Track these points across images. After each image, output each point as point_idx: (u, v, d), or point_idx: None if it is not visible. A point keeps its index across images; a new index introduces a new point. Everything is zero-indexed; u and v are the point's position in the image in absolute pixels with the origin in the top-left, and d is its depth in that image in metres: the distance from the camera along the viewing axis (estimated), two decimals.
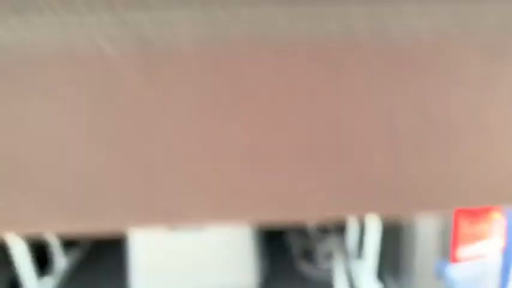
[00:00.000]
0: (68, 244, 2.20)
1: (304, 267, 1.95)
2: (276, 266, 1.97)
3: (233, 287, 1.55)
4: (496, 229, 1.35)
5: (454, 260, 1.32)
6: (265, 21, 0.35)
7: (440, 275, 1.36)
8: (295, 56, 0.37)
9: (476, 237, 1.32)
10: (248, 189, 0.45)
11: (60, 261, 1.94)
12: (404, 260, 1.48)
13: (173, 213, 0.48)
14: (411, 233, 1.40)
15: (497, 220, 1.37)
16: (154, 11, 0.35)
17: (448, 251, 1.32)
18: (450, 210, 0.59)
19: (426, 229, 1.34)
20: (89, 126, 0.39)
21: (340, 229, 2.21)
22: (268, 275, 1.88)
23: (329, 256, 2.01)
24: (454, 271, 1.33)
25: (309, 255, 2.05)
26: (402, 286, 1.55)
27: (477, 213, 1.32)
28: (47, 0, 0.36)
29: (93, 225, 0.46)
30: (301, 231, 2.26)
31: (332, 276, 1.87)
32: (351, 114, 0.40)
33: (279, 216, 0.55)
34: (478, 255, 1.34)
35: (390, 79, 0.39)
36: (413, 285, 1.40)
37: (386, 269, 1.72)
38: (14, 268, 1.62)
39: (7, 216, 0.47)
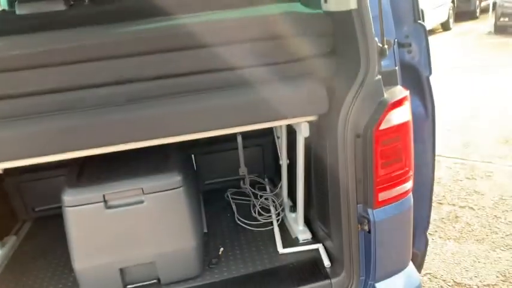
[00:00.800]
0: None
1: (243, 221, 2.05)
2: (218, 222, 2.06)
3: (174, 254, 1.61)
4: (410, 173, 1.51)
5: (375, 205, 1.47)
6: None
7: (362, 219, 1.51)
8: None
9: (393, 183, 1.47)
10: None
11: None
12: (330, 208, 1.62)
13: None
14: (334, 182, 1.53)
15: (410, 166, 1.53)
16: None
17: (369, 197, 1.46)
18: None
19: (347, 179, 1.47)
20: None
21: (273, 188, 2.33)
22: (210, 232, 1.97)
23: (265, 210, 2.13)
24: (375, 215, 1.48)
25: (247, 210, 2.15)
26: (330, 232, 1.71)
27: (392, 162, 1.46)
28: None
29: None
30: (238, 190, 2.36)
31: (269, 227, 1.99)
32: None
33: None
34: (395, 197, 1.49)
35: None
36: (339, 230, 1.55)
37: (315, 218, 1.87)
38: None
39: None
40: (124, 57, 1.41)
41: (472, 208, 3.13)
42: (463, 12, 12.95)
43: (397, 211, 1.51)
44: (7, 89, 1.37)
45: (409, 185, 1.52)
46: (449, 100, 5.62)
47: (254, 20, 1.50)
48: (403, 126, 1.45)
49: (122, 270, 1.60)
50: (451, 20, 12.06)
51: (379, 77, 1.42)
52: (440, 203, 3.23)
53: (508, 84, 6.06)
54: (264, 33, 1.48)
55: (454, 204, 3.20)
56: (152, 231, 1.57)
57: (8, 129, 1.35)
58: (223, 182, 2.38)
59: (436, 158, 3.85)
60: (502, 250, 2.64)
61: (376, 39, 1.39)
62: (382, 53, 1.40)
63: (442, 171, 3.70)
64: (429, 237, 2.04)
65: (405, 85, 1.58)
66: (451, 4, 11.95)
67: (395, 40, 1.57)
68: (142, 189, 1.53)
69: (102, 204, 1.51)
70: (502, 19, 10.01)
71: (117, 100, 1.42)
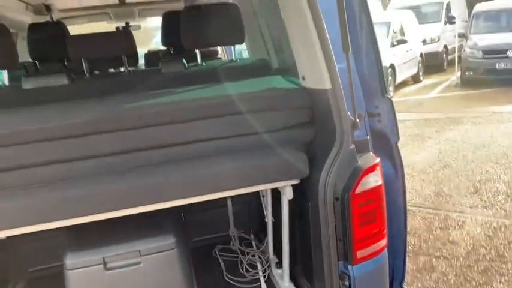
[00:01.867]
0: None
1: (231, 278, 2.16)
2: (208, 279, 2.16)
3: None
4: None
5: (354, 261, 1.62)
6: None
7: (343, 275, 1.65)
8: None
9: (369, 241, 1.63)
10: None
11: None
12: (313, 265, 1.75)
13: None
14: (316, 241, 1.67)
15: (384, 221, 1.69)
16: None
17: (349, 254, 1.61)
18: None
19: (328, 238, 1.62)
20: None
21: (259, 243, 2.45)
22: None
23: (252, 267, 2.24)
24: (354, 271, 1.62)
25: (235, 267, 2.26)
26: (314, 286, 1.83)
27: (368, 222, 1.62)
28: None
29: None
30: (226, 246, 2.47)
31: (257, 284, 2.10)
32: None
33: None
34: (372, 254, 1.64)
35: None
36: (322, 286, 1.68)
37: (300, 274, 1.99)
38: None
39: None
40: (121, 131, 1.57)
41: (446, 258, 3.29)
42: (432, 66, 13.73)
43: (374, 266, 1.66)
44: (15, 160, 1.50)
45: (384, 241, 1.68)
46: (420, 151, 5.93)
47: (241, 96, 1.69)
48: (376, 189, 1.63)
49: None
50: (421, 73, 12.76)
51: (353, 146, 1.61)
52: (417, 254, 3.39)
53: (473, 135, 6.43)
54: (250, 108, 1.67)
55: (429, 255, 3.36)
56: None
57: (12, 199, 1.48)
58: (211, 238, 2.50)
59: (411, 208, 4.03)
60: None
61: (349, 113, 1.60)
62: (354, 126, 1.60)
63: (417, 222, 3.88)
64: None
65: (376, 148, 1.78)
66: (420, 58, 12.68)
67: (366, 112, 1.79)
68: (139, 251, 1.65)
69: (101, 266, 1.62)
70: (467, 73, 10.65)
71: (117, 170, 1.56)
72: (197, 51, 2.29)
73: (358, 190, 1.58)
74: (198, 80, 1.95)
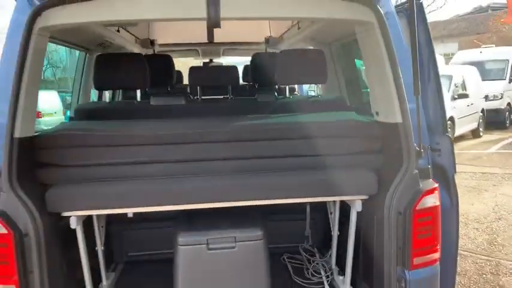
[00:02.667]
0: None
1: (298, 279, 2.51)
2: (277, 278, 2.51)
3: None
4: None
5: (411, 267, 1.93)
6: None
7: (400, 279, 1.96)
8: None
9: (425, 251, 1.95)
10: None
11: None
12: (375, 270, 2.08)
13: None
14: (379, 248, 2.01)
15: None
16: None
17: (406, 260, 1.93)
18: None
19: (390, 246, 1.95)
20: None
21: (325, 251, 2.80)
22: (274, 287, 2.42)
23: (317, 273, 2.59)
24: (410, 275, 1.94)
25: (301, 272, 2.61)
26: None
27: (425, 236, 1.95)
28: None
29: None
30: (292, 256, 2.83)
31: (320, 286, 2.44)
32: None
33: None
34: (426, 263, 1.96)
35: None
36: (382, 286, 2.00)
37: (360, 280, 2.31)
38: None
39: None
40: (227, 142, 2.03)
41: None
42: (493, 122, 13.59)
43: (427, 274, 1.97)
44: (146, 157, 1.99)
45: (437, 255, 1.99)
46: (476, 202, 6.02)
47: (327, 123, 2.11)
48: (433, 208, 1.96)
49: None
50: (481, 129, 12.68)
51: (417, 171, 1.96)
52: None
53: None
54: (334, 133, 2.09)
55: None
56: (238, 272, 2.07)
57: (139, 185, 1.95)
58: (279, 247, 2.86)
59: (463, 252, 4.20)
60: None
61: (415, 144, 1.96)
62: (418, 155, 1.96)
63: (467, 265, 4.04)
64: None
65: (435, 180, 2.12)
66: (481, 114, 12.64)
67: (429, 146, 2.13)
68: (235, 237, 2.06)
69: (205, 246, 2.04)
70: None
71: (224, 171, 2.01)
72: (286, 87, 2.76)
73: (419, 207, 1.92)
74: (287, 109, 2.40)
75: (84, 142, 1.99)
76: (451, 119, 10.57)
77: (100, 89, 3.11)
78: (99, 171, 1.99)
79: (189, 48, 4.75)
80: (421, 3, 2.22)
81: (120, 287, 2.51)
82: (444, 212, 2.10)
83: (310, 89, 5.24)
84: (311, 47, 3.53)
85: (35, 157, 1.92)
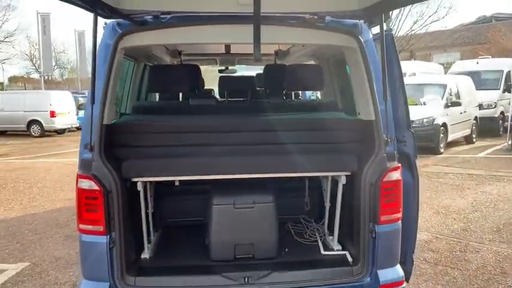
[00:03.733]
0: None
1: (299, 241, 3.30)
2: (282, 241, 3.28)
3: (264, 242, 2.88)
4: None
5: (379, 222, 2.71)
6: None
7: (371, 231, 2.73)
8: None
9: (390, 212, 2.72)
10: None
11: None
12: (355, 226, 2.85)
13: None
14: (358, 210, 2.78)
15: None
16: None
17: (376, 218, 2.71)
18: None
19: (365, 208, 2.73)
20: None
21: (319, 220, 3.58)
22: (280, 241, 3.21)
23: (313, 235, 3.37)
24: (378, 228, 2.71)
25: (302, 232, 3.41)
26: (353, 242, 2.91)
27: (390, 200, 2.72)
28: None
29: None
30: (296, 223, 3.61)
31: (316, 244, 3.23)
32: None
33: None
34: (391, 220, 2.73)
35: None
36: (359, 238, 2.77)
37: (343, 234, 3.09)
38: None
39: None
40: (251, 132, 2.82)
41: (459, 269, 4.20)
42: (487, 130, 14.35)
43: (391, 228, 2.74)
44: (192, 141, 2.78)
45: (399, 215, 2.76)
46: (457, 198, 6.79)
47: (322, 119, 2.91)
48: (396, 181, 2.74)
49: (235, 246, 2.86)
50: (474, 135, 13.43)
51: (385, 155, 2.74)
52: (437, 264, 4.33)
53: (509, 191, 7.20)
54: (327, 127, 2.88)
55: (446, 266, 4.29)
56: (255, 226, 2.86)
57: (188, 161, 2.75)
58: (285, 218, 3.63)
59: (439, 236, 4.96)
60: None
61: (384, 136, 2.75)
62: (386, 143, 2.74)
63: (441, 245, 4.81)
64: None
65: (402, 163, 2.89)
66: (474, 121, 13.40)
67: (395, 137, 2.91)
68: (253, 200, 2.85)
69: (232, 205, 2.84)
70: None
71: (248, 152, 2.81)
72: (292, 92, 3.56)
73: (385, 180, 2.70)
74: (292, 109, 3.20)
75: (147, 129, 2.79)
76: (444, 125, 11.36)
77: (152, 91, 3.93)
78: (157, 150, 2.78)
79: (209, 58, 5.57)
80: (392, 33, 3.01)
81: (163, 240, 3.30)
82: (407, 186, 2.90)
83: (312, 94, 6.06)
84: (312, 61, 4.34)
85: (113, 138, 2.71)
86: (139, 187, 2.82)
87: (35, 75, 51.71)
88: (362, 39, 2.78)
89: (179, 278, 2.73)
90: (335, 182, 3.11)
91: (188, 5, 2.66)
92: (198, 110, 3.16)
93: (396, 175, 2.75)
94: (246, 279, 2.69)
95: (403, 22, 28.52)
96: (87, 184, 2.57)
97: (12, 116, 19.34)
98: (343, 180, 2.93)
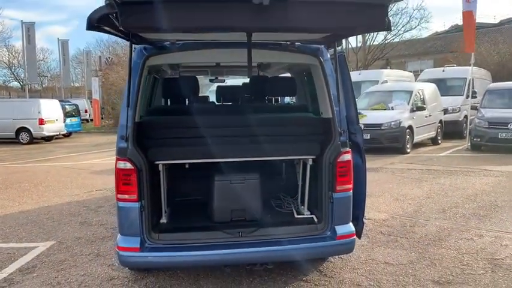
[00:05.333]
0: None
1: (277, 208, 4.33)
2: (266, 210, 4.29)
3: (252, 207, 3.89)
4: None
5: (335, 191, 3.75)
6: None
7: (330, 198, 3.77)
8: None
9: (343, 183, 3.77)
10: None
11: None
12: (318, 195, 3.88)
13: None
14: (320, 183, 3.81)
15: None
16: None
17: (333, 188, 3.75)
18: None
19: (326, 182, 3.77)
20: None
21: (294, 194, 4.63)
22: (264, 209, 4.20)
23: (296, 205, 4.41)
24: (335, 196, 3.75)
25: (281, 204, 4.44)
26: (317, 208, 3.95)
27: (343, 175, 3.77)
28: None
29: None
30: (276, 197, 4.64)
31: (291, 212, 4.26)
32: None
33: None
34: (344, 190, 3.78)
35: None
36: (322, 204, 3.80)
37: (312, 206, 4.13)
38: None
39: None
40: (242, 127, 3.85)
41: (407, 238, 5.28)
42: (452, 132, 15.69)
43: (344, 196, 3.79)
44: (199, 134, 3.79)
45: (350, 186, 3.82)
46: (415, 188, 7.93)
47: (295, 118, 3.96)
48: (347, 161, 3.80)
49: (231, 211, 3.87)
50: (439, 137, 14.72)
51: (339, 142, 3.79)
52: (389, 235, 5.39)
53: (459, 182, 8.38)
54: (298, 123, 3.92)
55: (396, 236, 5.36)
56: (246, 195, 3.87)
57: (197, 149, 3.75)
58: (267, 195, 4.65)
59: (395, 216, 6.06)
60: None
61: (339, 128, 3.80)
62: (340, 134, 3.79)
63: (395, 223, 5.89)
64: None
65: (353, 150, 3.94)
66: (439, 124, 14.69)
67: (348, 130, 3.96)
68: (245, 177, 3.87)
69: (229, 182, 3.85)
70: (475, 139, 12.59)
71: (233, 141, 3.83)
72: (273, 98, 4.62)
73: (339, 160, 3.75)
74: (274, 110, 4.25)
75: (165, 125, 3.79)
76: (410, 127, 12.57)
77: (166, 97, 4.97)
78: (173, 141, 3.78)
79: (202, 70, 6.60)
80: (344, 54, 4.08)
81: (174, 212, 4.27)
82: (358, 167, 3.97)
83: (291, 100, 7.16)
84: (288, 74, 5.42)
85: (140, 132, 3.69)
86: (160, 168, 3.81)
87: (15, 84, 51.91)
88: (322, 59, 3.85)
89: (191, 234, 3.73)
90: (305, 164, 4.15)
91: (197, 35, 3.69)
92: (200, 112, 4.16)
93: (347, 157, 3.81)
94: (240, 233, 3.70)
95: (377, 33, 29.93)
96: (125, 165, 3.55)
97: (0, 123, 19.90)
98: (310, 162, 3.97)
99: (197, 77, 5.22)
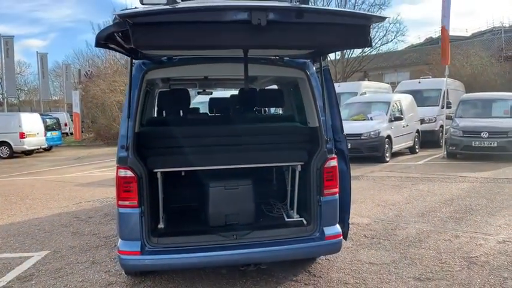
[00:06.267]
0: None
1: (268, 213, 4.58)
2: (257, 214, 4.53)
3: (245, 212, 4.14)
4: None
5: (323, 195, 4.02)
6: None
7: (318, 201, 4.04)
8: None
9: (330, 188, 4.05)
10: None
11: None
12: (307, 199, 4.15)
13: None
14: (309, 187, 4.08)
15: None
16: None
17: (321, 192, 4.02)
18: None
19: (314, 186, 4.04)
20: None
21: (283, 200, 4.89)
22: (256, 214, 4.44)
23: (285, 209, 4.67)
24: (323, 199, 4.02)
25: (271, 209, 4.69)
26: (306, 211, 4.21)
27: (330, 180, 4.05)
28: None
29: None
30: (267, 203, 4.89)
31: (282, 215, 4.52)
32: None
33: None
34: (331, 193, 4.06)
35: None
36: (311, 207, 4.06)
37: (300, 210, 4.39)
38: None
39: None
40: (233, 136, 4.11)
41: (389, 240, 5.58)
42: (429, 141, 16.25)
43: (331, 199, 4.07)
44: (195, 144, 4.03)
45: (336, 190, 4.10)
46: (395, 194, 8.29)
47: (283, 127, 4.24)
48: (334, 167, 4.09)
49: (226, 215, 4.10)
50: (417, 146, 15.24)
51: (325, 149, 4.08)
52: (373, 238, 5.69)
53: (436, 188, 8.79)
54: (286, 132, 4.20)
55: (379, 238, 5.66)
56: (239, 200, 4.11)
57: (192, 157, 3.99)
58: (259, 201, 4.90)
59: (377, 220, 6.38)
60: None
61: (325, 136, 4.09)
62: (326, 142, 4.08)
63: (378, 227, 6.20)
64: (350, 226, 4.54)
65: (338, 156, 4.24)
66: (417, 134, 15.22)
67: (333, 138, 4.25)
68: (237, 183, 4.12)
69: (223, 187, 4.09)
70: (450, 148, 13.12)
71: (230, 150, 4.08)
72: (262, 109, 4.90)
73: (326, 166, 4.04)
74: (262, 120, 4.53)
75: (164, 135, 4.02)
76: (389, 137, 13.03)
77: (162, 109, 5.21)
78: (171, 149, 4.00)
79: (191, 82, 6.85)
80: (328, 68, 4.40)
81: (170, 218, 4.47)
82: (343, 173, 4.26)
83: (276, 110, 7.46)
84: (275, 86, 5.72)
85: (139, 141, 3.91)
86: (159, 175, 4.03)
87: None
88: (309, 73, 4.15)
89: (188, 237, 3.94)
90: (293, 171, 4.42)
91: (193, 51, 3.95)
92: (197, 122, 4.41)
93: (333, 163, 4.11)
94: (234, 236, 3.94)
95: None
96: (125, 173, 3.76)
97: None
98: (299, 168, 4.25)
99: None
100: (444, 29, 14.22)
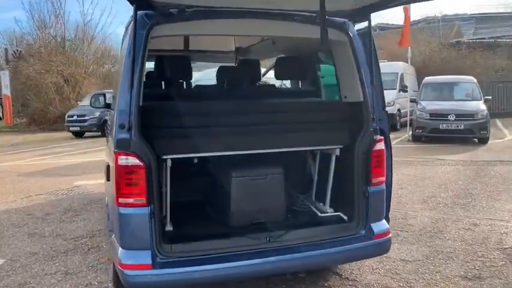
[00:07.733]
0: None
1: (301, 205, 3.79)
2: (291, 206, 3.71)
3: (274, 207, 3.32)
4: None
5: (371, 184, 3.30)
6: None
7: (365, 192, 3.31)
8: None
9: (378, 175, 3.33)
10: None
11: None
12: (350, 189, 3.41)
13: None
14: (352, 175, 3.34)
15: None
16: None
17: (369, 180, 3.30)
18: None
19: (359, 173, 3.30)
20: None
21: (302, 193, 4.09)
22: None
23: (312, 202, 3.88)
24: (371, 189, 3.30)
25: (293, 203, 3.91)
26: (345, 205, 3.47)
27: (378, 166, 3.33)
28: None
29: None
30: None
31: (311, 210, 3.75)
32: None
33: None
34: (379, 182, 3.34)
35: None
36: (351, 204, 3.33)
37: (335, 201, 3.64)
38: None
39: None
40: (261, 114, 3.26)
41: (405, 231, 5.02)
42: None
43: (379, 189, 3.36)
44: (206, 123, 3.12)
45: (384, 178, 3.39)
46: None
47: (317, 103, 3.44)
48: (381, 150, 3.37)
49: (252, 212, 3.26)
50: None
51: (371, 129, 3.34)
52: None
53: (422, 172, 8.44)
54: (323, 109, 3.42)
55: (392, 228, 5.08)
56: (269, 193, 3.29)
57: (205, 141, 3.09)
58: None
59: None
60: None
61: (371, 114, 3.35)
62: (373, 120, 3.35)
63: None
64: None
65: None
66: None
67: (378, 116, 3.54)
68: (266, 172, 3.28)
69: (248, 177, 3.24)
70: (417, 130, 12.99)
71: (255, 131, 3.23)
72: (283, 81, 4.05)
73: (374, 149, 3.31)
74: (284, 95, 3.70)
75: (175, 112, 3.08)
76: None
77: (160, 80, 4.14)
78: (183, 131, 3.07)
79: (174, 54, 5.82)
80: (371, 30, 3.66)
81: (174, 217, 3.54)
82: (386, 157, 3.54)
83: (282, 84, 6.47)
84: (282, 55, 4.86)
85: (143, 120, 2.94)
86: (169, 163, 3.09)
87: None
88: (351, 34, 3.37)
89: (210, 242, 3.06)
90: (324, 156, 3.64)
91: (207, 1, 3.02)
92: (212, 96, 3.49)
93: (381, 145, 3.38)
94: (267, 239, 3.11)
95: None
96: (129, 160, 2.80)
97: None
98: (337, 152, 3.49)
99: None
100: (406, 9, 13.97)
